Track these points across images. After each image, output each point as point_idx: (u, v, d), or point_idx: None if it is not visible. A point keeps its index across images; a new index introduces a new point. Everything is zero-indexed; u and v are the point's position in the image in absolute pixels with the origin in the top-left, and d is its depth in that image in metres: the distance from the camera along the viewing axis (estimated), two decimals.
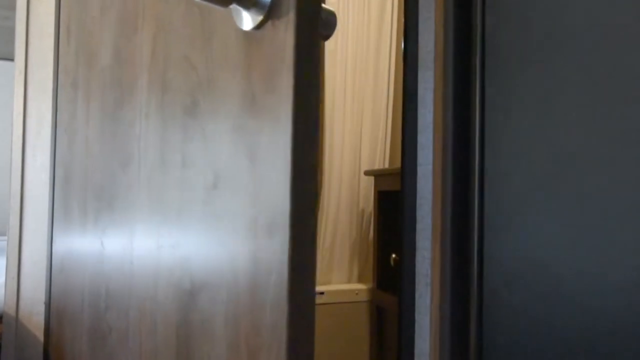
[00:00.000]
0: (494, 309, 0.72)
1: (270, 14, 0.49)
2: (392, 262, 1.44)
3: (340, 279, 2.38)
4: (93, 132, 0.94)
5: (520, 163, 0.74)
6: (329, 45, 2.42)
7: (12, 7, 1.42)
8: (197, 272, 0.61)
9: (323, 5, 0.51)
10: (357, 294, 2.28)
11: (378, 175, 2.25)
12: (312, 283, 0.48)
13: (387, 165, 2.52)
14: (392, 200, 2.26)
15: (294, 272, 0.46)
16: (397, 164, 2.54)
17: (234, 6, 0.51)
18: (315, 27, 0.48)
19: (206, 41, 0.62)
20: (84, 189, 0.96)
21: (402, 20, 2.43)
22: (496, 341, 0.70)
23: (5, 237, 1.28)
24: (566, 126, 0.73)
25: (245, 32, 0.54)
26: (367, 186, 2.46)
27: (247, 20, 0.52)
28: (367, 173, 2.32)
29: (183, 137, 0.66)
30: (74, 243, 1.00)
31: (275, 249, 0.48)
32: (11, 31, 1.59)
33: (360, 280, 2.43)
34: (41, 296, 1.21)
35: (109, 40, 0.90)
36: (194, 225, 0.62)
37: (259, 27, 0.51)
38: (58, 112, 1.14)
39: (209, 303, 0.58)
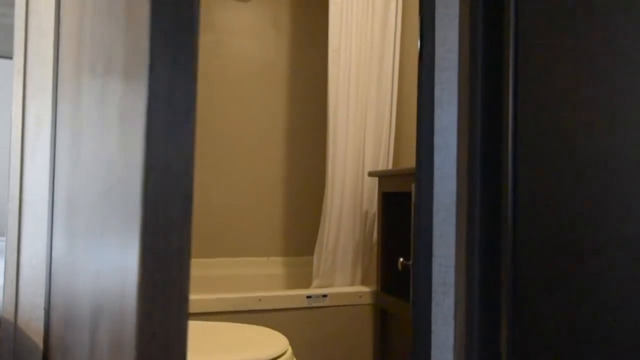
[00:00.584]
0: (528, 323, 0.69)
1: None
2: (399, 266, 1.41)
3: (344, 282, 2.34)
4: (68, 129, 0.88)
5: (558, 167, 0.71)
6: (332, 44, 2.39)
7: (11, 4, 1.38)
8: (96, 292, 0.50)
9: None
10: (360, 296, 2.24)
11: (382, 176, 2.21)
12: (179, 312, 0.36)
13: (390, 167, 2.49)
14: (397, 201, 2.23)
15: (144, 300, 0.35)
16: (401, 165, 2.51)
17: None
18: None
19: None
20: (64, 192, 0.91)
21: (409, 17, 2.39)
22: (529, 357, 0.67)
23: (4, 239, 1.25)
24: (611, 123, 0.70)
25: None
26: (371, 187, 2.43)
27: None
28: (371, 174, 2.28)
29: (99, 127, 0.55)
30: (61, 248, 0.96)
31: (131, 267, 0.37)
32: (9, 28, 1.55)
33: (363, 282, 2.40)
34: (40, 301, 1.17)
35: (76, 26, 0.81)
36: (98, 234, 0.52)
37: None
38: (57, 112, 1.11)
39: (101, 328, 0.48)
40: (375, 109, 2.47)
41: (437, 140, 0.85)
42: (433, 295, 0.85)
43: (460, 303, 0.67)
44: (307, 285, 2.78)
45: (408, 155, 2.47)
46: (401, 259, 1.42)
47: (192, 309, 2.00)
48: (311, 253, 2.98)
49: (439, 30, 0.85)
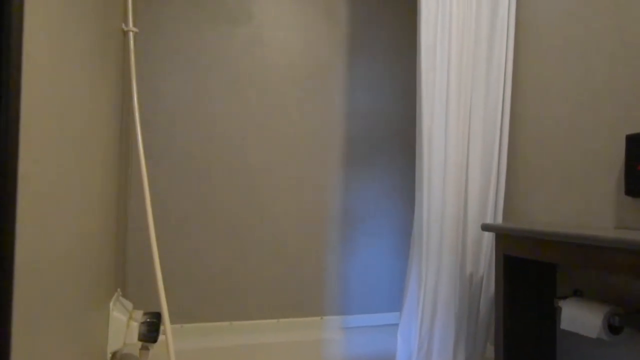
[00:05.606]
0: None
1: None
2: None
3: None
4: None
5: None
6: (425, 39, 1.70)
7: None
8: None
9: None
10: None
11: (503, 234, 1.51)
12: None
13: (500, 210, 1.79)
14: (523, 268, 1.53)
15: None
16: (516, 213, 1.74)
17: None
18: None
19: None
20: None
21: (527, 4, 1.53)
22: None
23: None
24: None
25: None
26: (476, 240, 1.74)
27: None
28: (486, 228, 1.58)
29: None
30: None
31: None
32: None
33: None
34: None
35: None
36: None
37: None
38: None
39: None
40: (482, 129, 1.77)
41: None
42: None
43: None
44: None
45: (526, 201, 1.76)
46: None
47: None
48: (349, 312, 2.28)
49: None
